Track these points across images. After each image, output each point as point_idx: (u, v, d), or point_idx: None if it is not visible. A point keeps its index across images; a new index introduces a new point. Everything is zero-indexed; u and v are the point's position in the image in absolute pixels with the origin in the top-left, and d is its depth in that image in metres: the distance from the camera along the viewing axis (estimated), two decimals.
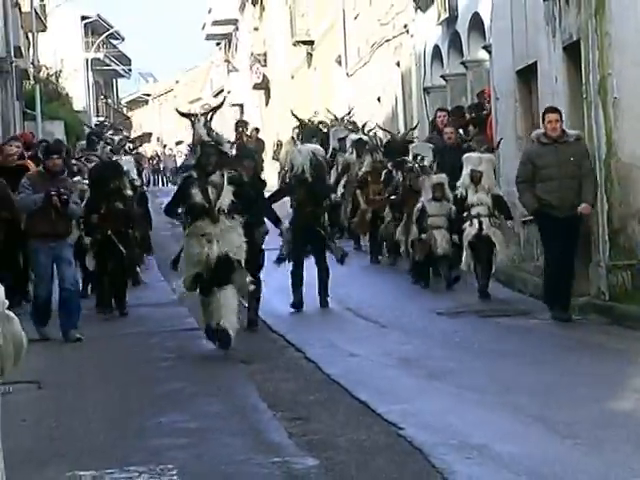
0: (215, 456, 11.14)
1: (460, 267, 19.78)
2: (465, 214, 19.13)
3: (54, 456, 11.29)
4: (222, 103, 22.59)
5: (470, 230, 18.75)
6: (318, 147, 22.02)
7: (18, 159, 20.75)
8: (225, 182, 16.44)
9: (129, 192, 20.47)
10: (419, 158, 21.82)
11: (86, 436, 12.39)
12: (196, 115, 16.97)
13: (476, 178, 18.73)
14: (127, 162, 23.03)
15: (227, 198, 16.39)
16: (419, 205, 20.50)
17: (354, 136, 28.77)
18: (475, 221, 18.71)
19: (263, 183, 20.19)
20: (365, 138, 27.92)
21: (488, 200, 18.83)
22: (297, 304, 20.38)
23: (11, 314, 4.68)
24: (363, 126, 29.94)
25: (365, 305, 20.07)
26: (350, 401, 13.34)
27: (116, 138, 26.09)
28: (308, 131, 30.90)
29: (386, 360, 16.13)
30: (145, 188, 32.63)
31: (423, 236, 20.35)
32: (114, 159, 21.33)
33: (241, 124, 35.77)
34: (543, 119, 17.97)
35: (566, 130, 17.70)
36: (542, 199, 17.47)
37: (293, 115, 32.36)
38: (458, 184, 19.60)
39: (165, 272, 23.09)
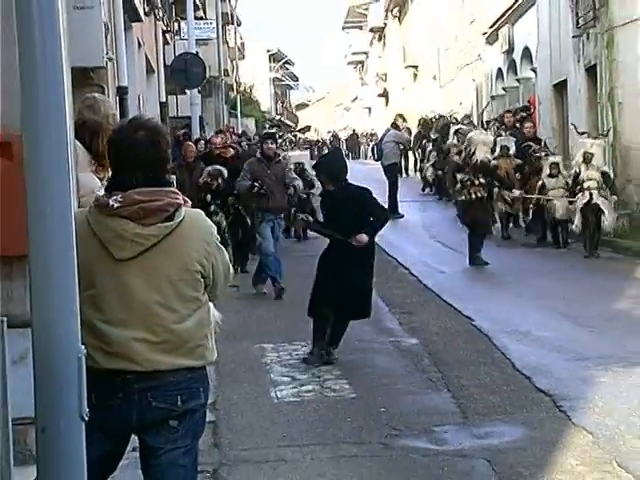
0: (352, 336, 11.14)
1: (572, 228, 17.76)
2: (578, 187, 17.29)
3: (246, 335, 11.40)
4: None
5: (582, 200, 17.00)
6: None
7: (222, 148, 18.79)
8: None
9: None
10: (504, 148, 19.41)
11: (267, 323, 12.50)
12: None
13: (588, 158, 16.98)
14: (303, 156, 21.71)
15: None
16: (540, 182, 18.44)
17: (455, 127, 25.52)
18: (587, 193, 16.93)
19: None
20: (465, 128, 24.36)
21: (598, 176, 17.07)
22: None
23: (222, 247, 4.60)
24: (463, 118, 28.78)
25: (449, 239, 19.87)
26: (439, 302, 13.34)
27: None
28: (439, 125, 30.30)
29: (462, 275, 16.08)
30: None
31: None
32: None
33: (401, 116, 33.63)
34: None
35: None
36: None
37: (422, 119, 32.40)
38: (573, 163, 17.82)
39: None
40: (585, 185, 16.89)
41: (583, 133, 17.56)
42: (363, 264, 10.15)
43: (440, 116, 31.28)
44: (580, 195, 16.98)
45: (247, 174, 14.67)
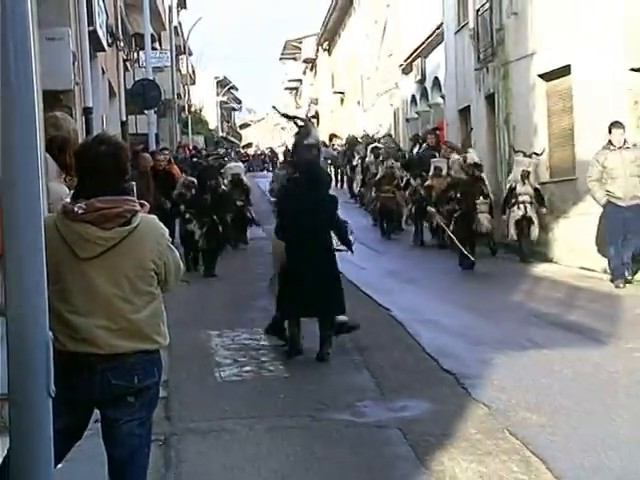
0: None
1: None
2: (514, 200, 16.30)
3: (195, 323, 11.35)
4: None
5: (518, 212, 16.20)
6: None
7: (167, 164, 17.57)
8: None
9: (224, 188, 16.78)
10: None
11: (213, 312, 12.45)
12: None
13: (525, 175, 16.23)
14: (238, 167, 21.28)
15: None
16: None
17: (372, 145, 25.76)
18: (522, 206, 16.13)
19: None
20: (379, 146, 24.71)
21: (531, 191, 16.30)
22: None
23: (173, 247, 4.65)
24: (379, 139, 28.55)
25: (369, 240, 19.90)
26: (361, 295, 13.33)
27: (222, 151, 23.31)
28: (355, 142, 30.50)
29: (380, 272, 16.13)
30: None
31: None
32: (215, 164, 18.45)
33: (335, 135, 33.09)
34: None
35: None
36: None
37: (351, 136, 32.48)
38: (509, 178, 16.91)
39: None
40: (520, 199, 16.35)
41: (519, 152, 17.09)
42: None
43: (365, 135, 31.39)
44: (515, 208, 16.39)
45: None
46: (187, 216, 15.52)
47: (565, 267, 15.51)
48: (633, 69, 14.18)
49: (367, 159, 25.11)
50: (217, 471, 6.22)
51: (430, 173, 18.91)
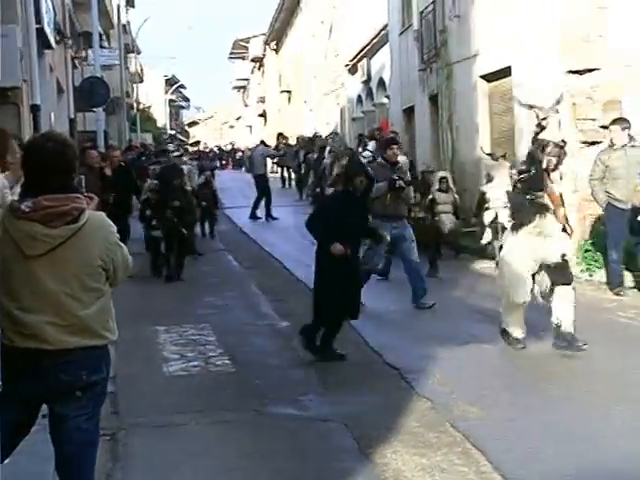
0: (231, 320, 11.15)
1: None
2: (486, 205, 14.75)
3: (143, 319, 11.30)
4: None
5: (490, 215, 14.74)
6: None
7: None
8: None
9: (189, 187, 15.91)
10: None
11: (161, 307, 12.41)
12: None
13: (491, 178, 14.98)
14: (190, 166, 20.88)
15: None
16: (430, 197, 15.88)
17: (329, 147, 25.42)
18: (492, 210, 14.56)
19: None
20: (335, 146, 24.62)
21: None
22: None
23: (121, 243, 4.63)
24: (327, 137, 28.31)
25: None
26: (307, 291, 13.30)
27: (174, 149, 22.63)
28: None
29: None
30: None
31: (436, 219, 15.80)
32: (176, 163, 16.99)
33: (281, 135, 33.08)
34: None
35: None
36: None
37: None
38: (484, 182, 15.55)
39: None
40: (492, 205, 15.01)
41: (490, 155, 16.29)
42: None
43: (316, 136, 31.38)
44: (486, 212, 15.13)
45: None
46: (153, 222, 14.92)
47: None
48: (571, 71, 14.35)
49: (325, 160, 24.63)
50: (164, 465, 6.21)
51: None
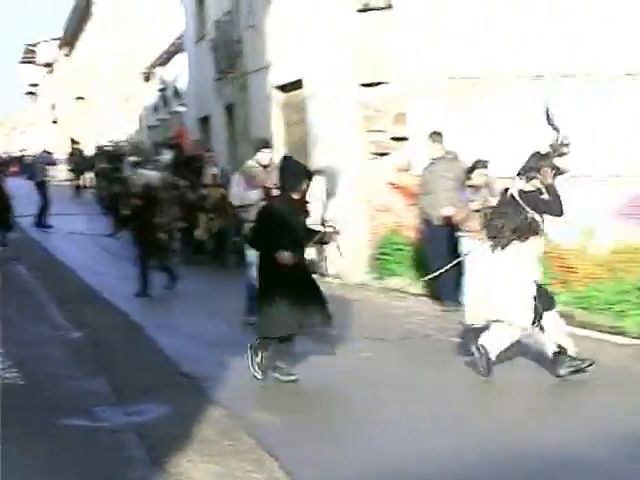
0: (30, 332, 10.78)
1: None
2: None
3: None
4: None
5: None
6: None
7: None
8: None
9: None
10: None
11: None
12: None
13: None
14: None
15: None
16: None
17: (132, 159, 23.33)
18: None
19: None
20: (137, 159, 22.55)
21: None
22: None
23: None
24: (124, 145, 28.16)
25: (112, 247, 19.49)
26: (100, 300, 13.13)
27: None
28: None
29: (120, 277, 15.70)
30: None
31: None
32: None
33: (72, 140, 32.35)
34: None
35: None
36: None
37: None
38: None
39: None
40: None
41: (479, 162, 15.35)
42: None
43: (115, 144, 30.93)
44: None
45: None
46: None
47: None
48: (363, 84, 14.67)
49: (127, 172, 23.83)
50: None
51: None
